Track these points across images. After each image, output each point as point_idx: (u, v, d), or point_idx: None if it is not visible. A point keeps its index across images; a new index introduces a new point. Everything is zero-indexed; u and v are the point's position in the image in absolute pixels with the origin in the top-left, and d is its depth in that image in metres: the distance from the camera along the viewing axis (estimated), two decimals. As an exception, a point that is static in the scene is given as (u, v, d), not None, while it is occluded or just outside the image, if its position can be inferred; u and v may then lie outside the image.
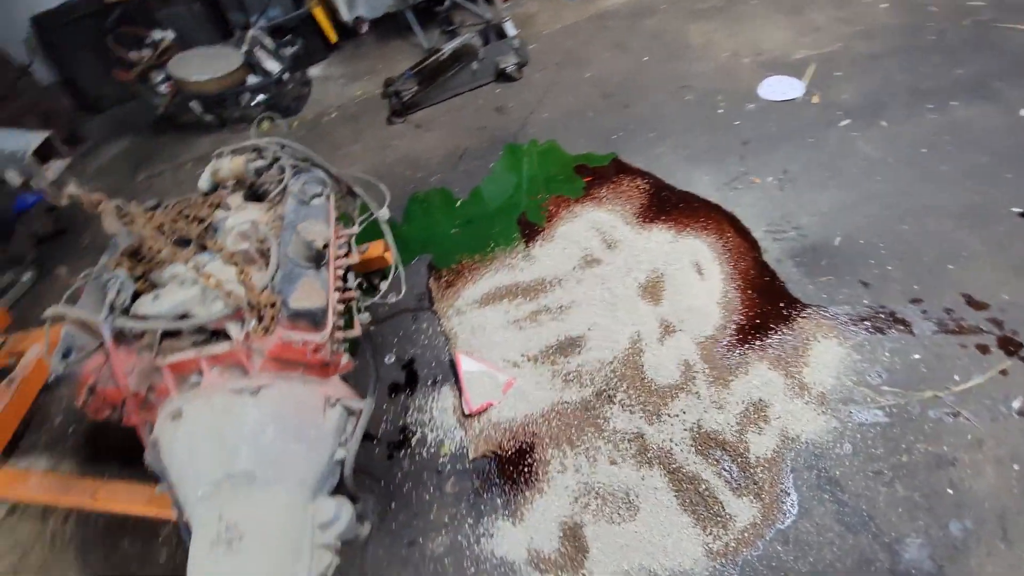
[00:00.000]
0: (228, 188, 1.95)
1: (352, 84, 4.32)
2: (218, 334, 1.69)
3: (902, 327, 2.07)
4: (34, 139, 1.26)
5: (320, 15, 4.56)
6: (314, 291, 1.58)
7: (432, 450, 2.24)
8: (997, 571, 1.56)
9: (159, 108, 4.26)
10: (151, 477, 1.77)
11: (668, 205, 2.72)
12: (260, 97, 4.15)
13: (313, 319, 1.57)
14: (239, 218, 1.83)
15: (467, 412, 2.26)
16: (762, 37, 3.42)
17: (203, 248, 1.76)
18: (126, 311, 1.63)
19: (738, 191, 2.67)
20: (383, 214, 2.27)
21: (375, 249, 2.54)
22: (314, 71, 4.60)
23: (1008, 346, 1.94)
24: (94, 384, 1.59)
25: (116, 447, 2.66)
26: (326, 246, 1.61)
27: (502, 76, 3.74)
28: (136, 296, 1.72)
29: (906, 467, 1.78)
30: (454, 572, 1.93)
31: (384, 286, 2.12)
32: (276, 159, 1.98)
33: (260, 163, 1.92)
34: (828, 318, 2.15)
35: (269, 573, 1.41)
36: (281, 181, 1.93)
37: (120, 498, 2.11)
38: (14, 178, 1.25)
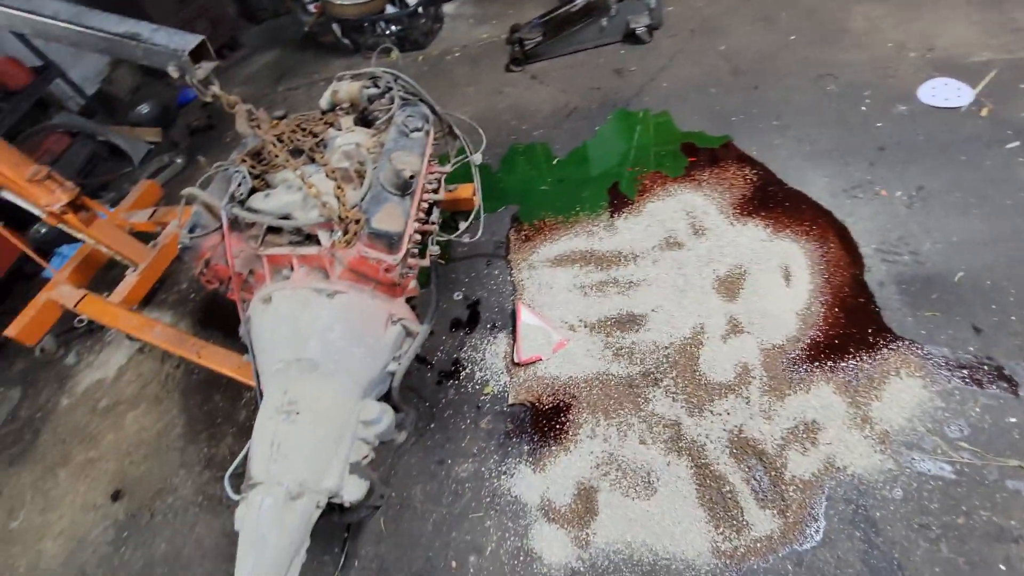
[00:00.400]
0: (343, 110, 2.12)
1: (480, 26, 4.36)
2: (311, 238, 1.91)
3: (1006, 385, 1.83)
4: (192, 40, 1.47)
5: (464, -49, 4.60)
6: (395, 216, 1.72)
7: (477, 387, 2.39)
8: (1033, 664, 1.42)
9: (306, 26, 4.60)
10: (242, 348, 2.09)
11: (772, 201, 2.54)
12: (394, 28, 4.32)
13: (389, 241, 1.72)
14: (347, 138, 2.00)
15: (516, 360, 2.37)
16: (940, 30, 2.95)
17: (312, 160, 1.96)
18: (242, 202, 1.89)
19: (857, 200, 2.42)
20: (476, 159, 2.36)
21: (464, 191, 2.66)
22: (448, 8, 4.70)
23: None
24: (209, 259, 1.88)
25: (222, 317, 3.12)
26: (412, 177, 1.73)
27: (630, 37, 3.58)
28: (253, 191, 1.98)
29: (959, 529, 1.63)
30: (471, 497, 2.09)
31: (463, 226, 2.23)
32: (388, 89, 2.10)
33: (374, 91, 2.06)
34: (919, 356, 1.95)
35: (314, 446, 1.65)
36: (389, 110, 2.07)
37: (217, 360, 2.50)
38: (173, 71, 1.47)
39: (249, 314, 1.93)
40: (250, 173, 1.93)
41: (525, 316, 2.42)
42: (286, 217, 1.87)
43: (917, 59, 2.82)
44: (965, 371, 1.89)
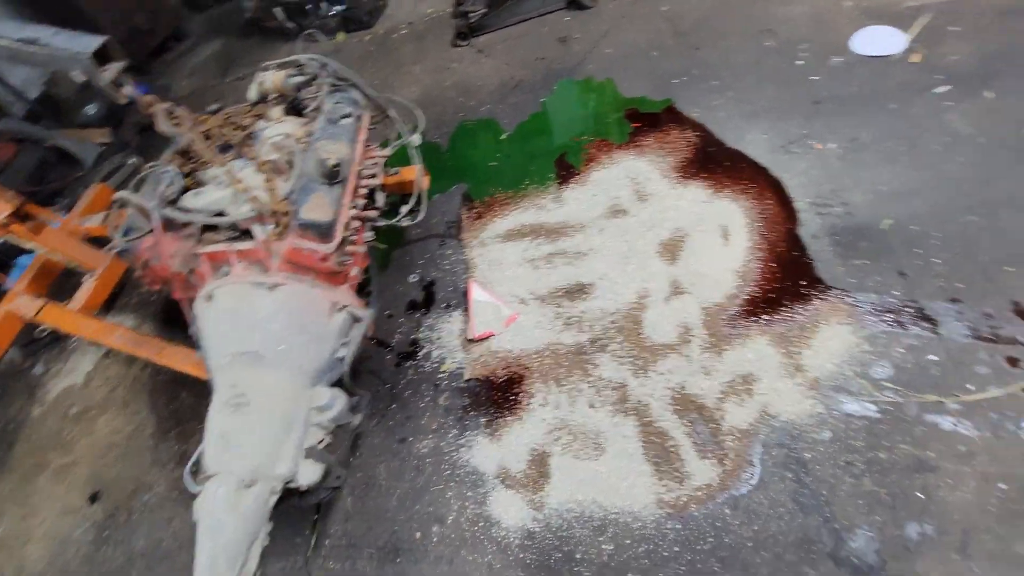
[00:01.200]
0: (273, 100, 2.11)
1: (425, 0, 4.27)
2: (247, 233, 1.92)
3: (928, 325, 1.92)
4: (93, 42, 1.44)
5: (405, -78, 4.46)
6: (323, 206, 1.74)
7: (434, 365, 2.44)
8: (942, 579, 1.54)
9: (248, 12, 4.47)
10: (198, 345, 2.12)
11: (712, 162, 2.57)
12: (337, 7, 4.22)
13: (320, 231, 1.74)
14: (276, 130, 2.00)
15: (470, 337, 2.42)
16: (877, -24, 2.95)
17: (242, 154, 1.96)
18: (174, 202, 1.89)
19: (793, 155, 2.47)
20: (415, 140, 2.36)
21: (408, 173, 2.65)
22: (392, -17, 4.58)
23: (1043, 364, 1.76)
24: (147, 260, 1.90)
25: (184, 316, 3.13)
26: (337, 165, 1.74)
27: (574, 3, 3.54)
28: (187, 190, 1.98)
29: (881, 464, 1.73)
30: (432, 471, 2.17)
31: (404, 210, 2.24)
32: (315, 77, 2.09)
33: (299, 79, 2.05)
34: (848, 304, 2.03)
35: (264, 435, 1.70)
36: (317, 98, 2.06)
37: (178, 358, 2.52)
38: (78, 76, 1.46)
39: (195, 312, 1.96)
40: (181, 172, 1.93)
41: (476, 294, 2.47)
42: (220, 214, 1.88)
43: (852, 8, 2.83)
44: (890, 315, 1.97)
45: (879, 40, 2.66)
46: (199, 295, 1.92)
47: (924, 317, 1.94)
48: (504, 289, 2.52)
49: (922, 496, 1.66)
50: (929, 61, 2.52)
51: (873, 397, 1.84)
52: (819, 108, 2.56)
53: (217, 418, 1.73)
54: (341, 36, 4.33)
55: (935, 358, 1.86)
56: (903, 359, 1.88)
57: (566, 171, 2.83)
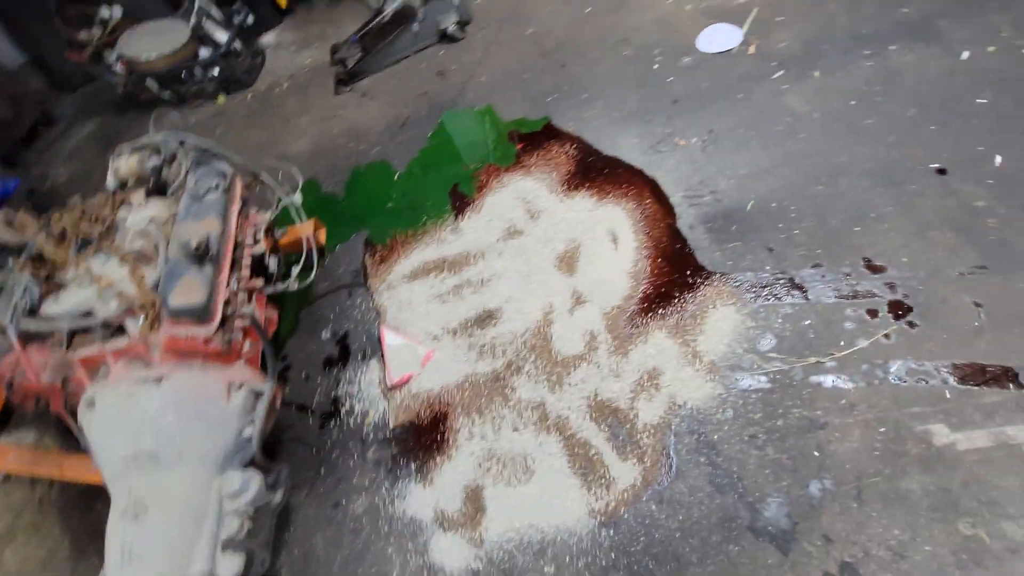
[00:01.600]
0: (131, 186, 2.03)
1: (303, 51, 4.25)
2: (122, 329, 1.83)
3: (798, 292, 2.08)
4: None
5: (269, -22, 4.44)
6: (194, 288, 1.69)
7: (359, 420, 2.40)
8: (845, 528, 1.65)
9: (118, 87, 4.29)
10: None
11: (593, 171, 2.70)
12: (214, 71, 4.13)
13: (195, 314, 1.68)
14: (139, 216, 1.92)
15: (389, 384, 2.40)
16: (709, -21, 3.22)
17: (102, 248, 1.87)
18: (34, 312, 1.78)
19: (662, 154, 2.63)
20: (296, 199, 2.34)
21: (298, 231, 2.62)
22: (267, 39, 4.53)
23: (897, 310, 1.95)
24: (11, 379, 1.77)
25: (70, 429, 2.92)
26: (199, 245, 1.69)
27: (445, 37, 3.63)
28: (47, 295, 1.87)
29: (779, 431, 1.85)
30: (370, 530, 2.12)
31: (294, 272, 2.21)
32: (175, 155, 2.03)
33: (155, 161, 1.99)
34: (729, 285, 2.18)
35: (170, 539, 1.62)
36: (181, 176, 2.00)
37: (80, 470, 2.34)
38: None
39: (79, 422, 1.84)
40: (34, 278, 1.82)
41: (389, 338, 2.46)
42: (88, 314, 1.79)
43: (693, 11, 3.07)
44: (766, 289, 2.13)
45: (720, 37, 2.90)
46: (80, 403, 1.81)
47: (795, 286, 2.10)
48: (417, 328, 2.52)
49: (817, 454, 1.79)
50: (763, 51, 2.77)
51: (763, 369, 1.98)
52: (678, 106, 2.74)
53: (115, 531, 1.63)
54: (221, 99, 4.23)
55: (809, 322, 2.02)
56: (782, 328, 2.03)
57: (460, 201, 2.88)
